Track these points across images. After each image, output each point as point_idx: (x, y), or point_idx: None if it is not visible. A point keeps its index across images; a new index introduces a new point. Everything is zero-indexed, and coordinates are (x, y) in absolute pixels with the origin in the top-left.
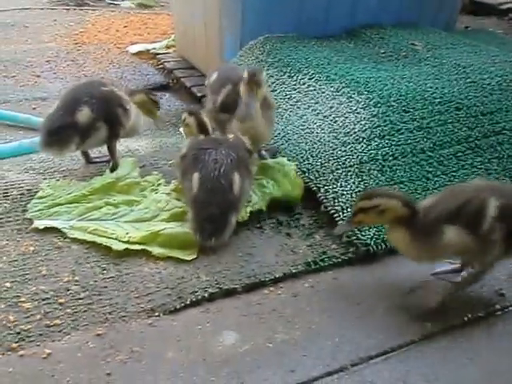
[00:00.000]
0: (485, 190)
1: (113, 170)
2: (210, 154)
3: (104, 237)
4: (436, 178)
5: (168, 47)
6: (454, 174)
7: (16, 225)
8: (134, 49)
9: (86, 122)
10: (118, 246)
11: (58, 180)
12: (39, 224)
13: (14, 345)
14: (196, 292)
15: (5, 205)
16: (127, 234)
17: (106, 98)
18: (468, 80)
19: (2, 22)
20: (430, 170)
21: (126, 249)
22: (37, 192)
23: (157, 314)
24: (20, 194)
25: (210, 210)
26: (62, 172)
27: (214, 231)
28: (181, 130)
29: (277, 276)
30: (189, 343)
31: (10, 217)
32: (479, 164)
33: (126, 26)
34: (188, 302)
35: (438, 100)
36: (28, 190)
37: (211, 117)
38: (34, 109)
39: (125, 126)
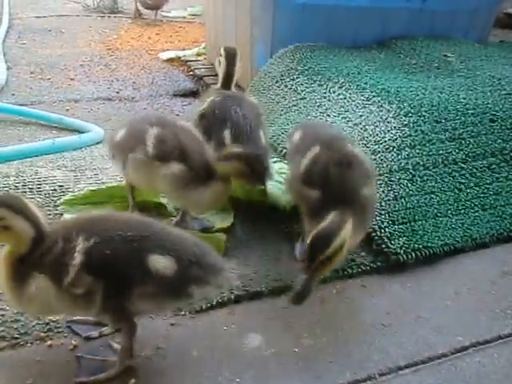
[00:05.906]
0: (73, 226)
1: None
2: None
3: None
4: (468, 190)
5: (198, 55)
6: (487, 186)
7: (48, 219)
8: (165, 55)
9: None
10: None
11: (103, 183)
12: (69, 217)
13: (43, 334)
14: (222, 293)
15: (38, 199)
16: None
17: None
18: (503, 92)
19: (39, 28)
20: (463, 181)
21: None
22: (68, 188)
23: (182, 313)
24: (52, 190)
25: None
26: (94, 170)
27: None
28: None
29: None
30: (213, 343)
31: (41, 211)
32: None
33: (157, 34)
34: (214, 303)
35: (471, 111)
36: (60, 186)
37: (293, 189)
38: (67, 110)
39: None
